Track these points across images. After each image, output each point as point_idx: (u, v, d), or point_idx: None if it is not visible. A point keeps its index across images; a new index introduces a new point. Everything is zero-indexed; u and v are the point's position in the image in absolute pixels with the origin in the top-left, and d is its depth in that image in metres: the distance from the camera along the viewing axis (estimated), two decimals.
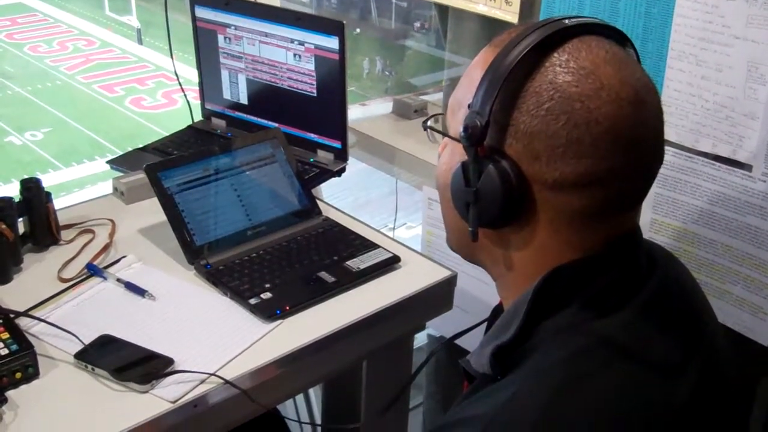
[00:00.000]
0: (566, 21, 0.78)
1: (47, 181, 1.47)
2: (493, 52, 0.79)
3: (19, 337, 1.14)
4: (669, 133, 1.32)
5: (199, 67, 1.93)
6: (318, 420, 2.01)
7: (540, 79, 0.75)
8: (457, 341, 1.09)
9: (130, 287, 1.31)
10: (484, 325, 1.00)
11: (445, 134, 0.87)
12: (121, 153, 1.94)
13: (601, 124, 0.73)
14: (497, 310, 0.96)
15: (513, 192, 0.76)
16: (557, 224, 0.78)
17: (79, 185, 6.01)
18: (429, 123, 0.93)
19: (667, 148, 1.32)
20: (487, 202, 0.78)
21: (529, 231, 0.79)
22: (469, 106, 0.78)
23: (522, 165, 0.76)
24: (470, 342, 1.03)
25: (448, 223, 0.89)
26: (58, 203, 1.45)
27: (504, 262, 0.84)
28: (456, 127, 0.82)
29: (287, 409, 1.95)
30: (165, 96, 8.05)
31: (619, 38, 0.82)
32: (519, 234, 0.80)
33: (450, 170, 0.83)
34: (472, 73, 0.82)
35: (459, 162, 0.81)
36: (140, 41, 9.65)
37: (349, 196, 3.51)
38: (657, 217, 1.38)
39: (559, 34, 0.77)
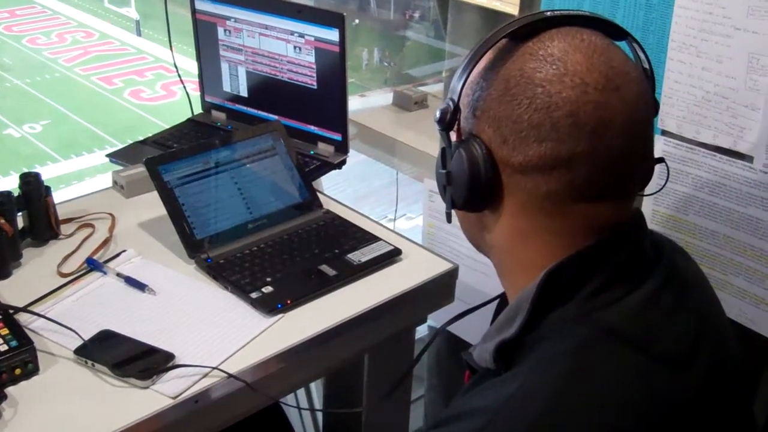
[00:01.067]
0: (548, 13, 0.80)
1: (46, 174, 1.46)
2: None
3: (18, 332, 1.13)
4: (670, 124, 1.31)
5: (198, 59, 1.92)
6: (317, 405, 2.01)
7: (510, 66, 0.78)
8: (456, 332, 1.09)
9: (130, 282, 1.31)
10: (481, 310, 1.00)
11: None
12: (120, 145, 1.94)
13: (561, 109, 0.75)
14: (503, 300, 0.96)
15: (480, 174, 0.80)
16: (530, 209, 0.80)
17: (78, 177, 6.01)
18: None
19: (668, 139, 1.33)
20: (457, 184, 0.82)
21: (504, 215, 0.82)
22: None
23: (493, 149, 0.79)
24: (466, 329, 1.03)
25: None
26: (58, 196, 1.45)
27: (491, 247, 0.87)
28: None
29: (287, 398, 1.95)
30: (164, 88, 8.04)
31: (614, 31, 0.82)
32: (495, 217, 0.83)
33: None
34: None
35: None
36: (139, 33, 9.63)
37: (349, 188, 3.51)
38: (658, 209, 1.37)
39: (537, 25, 0.79)
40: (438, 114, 0.82)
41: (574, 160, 0.76)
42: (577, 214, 0.79)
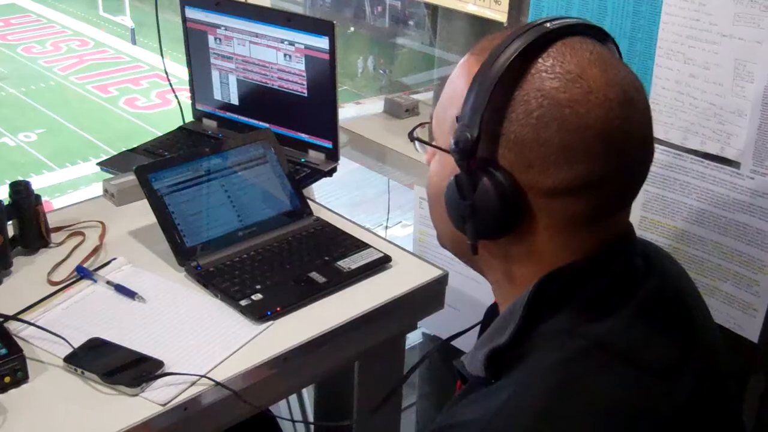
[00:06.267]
0: (548, 24, 0.77)
1: (41, 183, 1.47)
2: (477, 62, 0.78)
3: (8, 341, 1.13)
4: (658, 131, 1.32)
5: (189, 67, 1.93)
6: (309, 414, 2.01)
7: (527, 87, 0.75)
8: (452, 342, 1.09)
9: (120, 289, 1.31)
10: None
11: (435, 146, 0.85)
12: (115, 154, 1.93)
13: (591, 128, 0.73)
14: (491, 311, 0.96)
15: (509, 202, 0.76)
16: (553, 230, 0.78)
17: (73, 186, 5.99)
18: (416, 134, 0.92)
19: (656, 146, 1.33)
20: (484, 215, 0.78)
21: (526, 239, 0.79)
22: (457, 118, 0.78)
23: (515, 174, 0.76)
24: (464, 342, 1.03)
25: (445, 233, 0.88)
26: (53, 204, 1.45)
27: (501, 270, 0.84)
28: (444, 137, 0.82)
29: (280, 408, 1.95)
30: (159, 96, 8.03)
31: (601, 36, 0.81)
32: (517, 242, 0.80)
33: (442, 181, 0.83)
34: (457, 82, 0.81)
35: (452, 175, 0.80)
36: (134, 41, 9.62)
37: (344, 196, 3.51)
38: (647, 215, 1.38)
39: (543, 39, 0.76)
40: (453, 143, 0.77)
41: (604, 179, 0.75)
42: (597, 230, 0.79)
